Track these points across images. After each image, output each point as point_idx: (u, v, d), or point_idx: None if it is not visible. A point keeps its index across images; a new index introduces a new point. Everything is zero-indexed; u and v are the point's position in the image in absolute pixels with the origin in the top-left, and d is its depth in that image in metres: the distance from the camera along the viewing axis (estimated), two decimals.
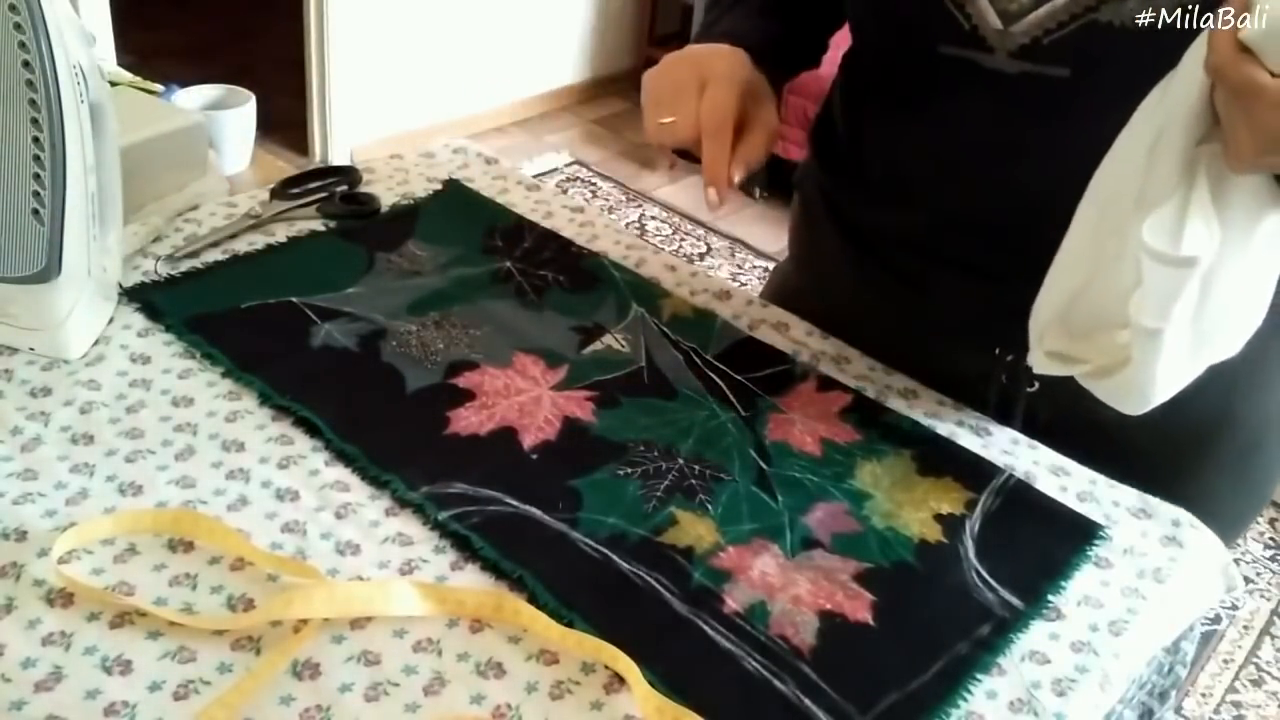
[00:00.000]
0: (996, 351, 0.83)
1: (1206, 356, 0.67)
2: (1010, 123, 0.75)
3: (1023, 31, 0.71)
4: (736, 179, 0.75)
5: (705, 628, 0.62)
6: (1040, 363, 0.72)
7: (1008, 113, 0.74)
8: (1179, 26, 0.64)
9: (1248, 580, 2.19)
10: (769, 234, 3.08)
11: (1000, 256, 0.78)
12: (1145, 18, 0.65)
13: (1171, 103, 0.61)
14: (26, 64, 0.66)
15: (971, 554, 0.69)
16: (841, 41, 0.89)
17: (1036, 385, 0.82)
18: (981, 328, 0.82)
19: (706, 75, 0.76)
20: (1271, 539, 2.29)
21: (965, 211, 0.80)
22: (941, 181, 0.81)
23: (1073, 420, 0.79)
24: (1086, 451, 0.79)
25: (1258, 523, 2.33)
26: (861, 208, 0.89)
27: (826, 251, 0.94)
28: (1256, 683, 1.98)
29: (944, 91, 0.77)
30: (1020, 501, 0.74)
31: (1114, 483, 0.77)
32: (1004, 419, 0.83)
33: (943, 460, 0.77)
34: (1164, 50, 0.62)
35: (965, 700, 0.60)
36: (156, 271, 0.85)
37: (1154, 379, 0.65)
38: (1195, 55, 0.60)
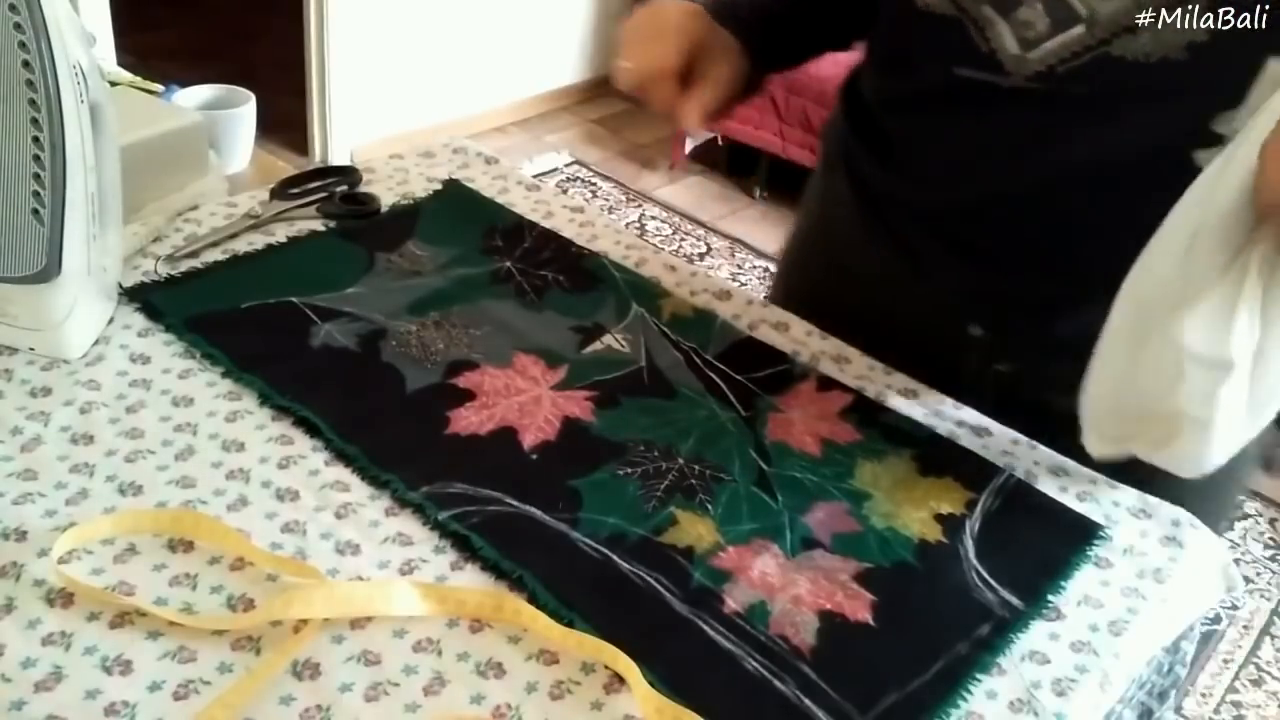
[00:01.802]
0: (972, 331, 0.86)
1: (1265, 418, 0.68)
2: (1022, 128, 0.76)
3: (1039, 59, 0.72)
4: (692, 121, 0.80)
5: (705, 628, 0.62)
6: (1096, 449, 0.72)
7: (1021, 119, 0.76)
8: (1189, 64, 0.67)
9: (1248, 580, 2.19)
10: (769, 234, 3.08)
11: (997, 241, 0.81)
12: (1156, 54, 0.67)
13: (1206, 209, 0.62)
14: (26, 64, 0.66)
15: (971, 554, 0.69)
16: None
17: (1006, 366, 0.86)
18: (963, 305, 0.85)
19: (660, 27, 0.80)
20: (1271, 539, 2.29)
21: (971, 198, 0.82)
22: (952, 168, 0.83)
23: (1046, 407, 0.80)
24: (1054, 433, 0.80)
25: (1258, 523, 2.33)
26: (874, 171, 0.91)
27: (839, 203, 0.96)
28: (1256, 683, 1.98)
29: (959, 103, 0.79)
30: (1020, 501, 0.74)
31: (1114, 483, 0.77)
32: (976, 395, 0.85)
33: (943, 460, 0.77)
34: (1174, 83, 0.67)
35: (965, 700, 0.60)
36: (156, 271, 0.85)
37: (1209, 451, 0.67)
38: (1225, 161, 0.62)
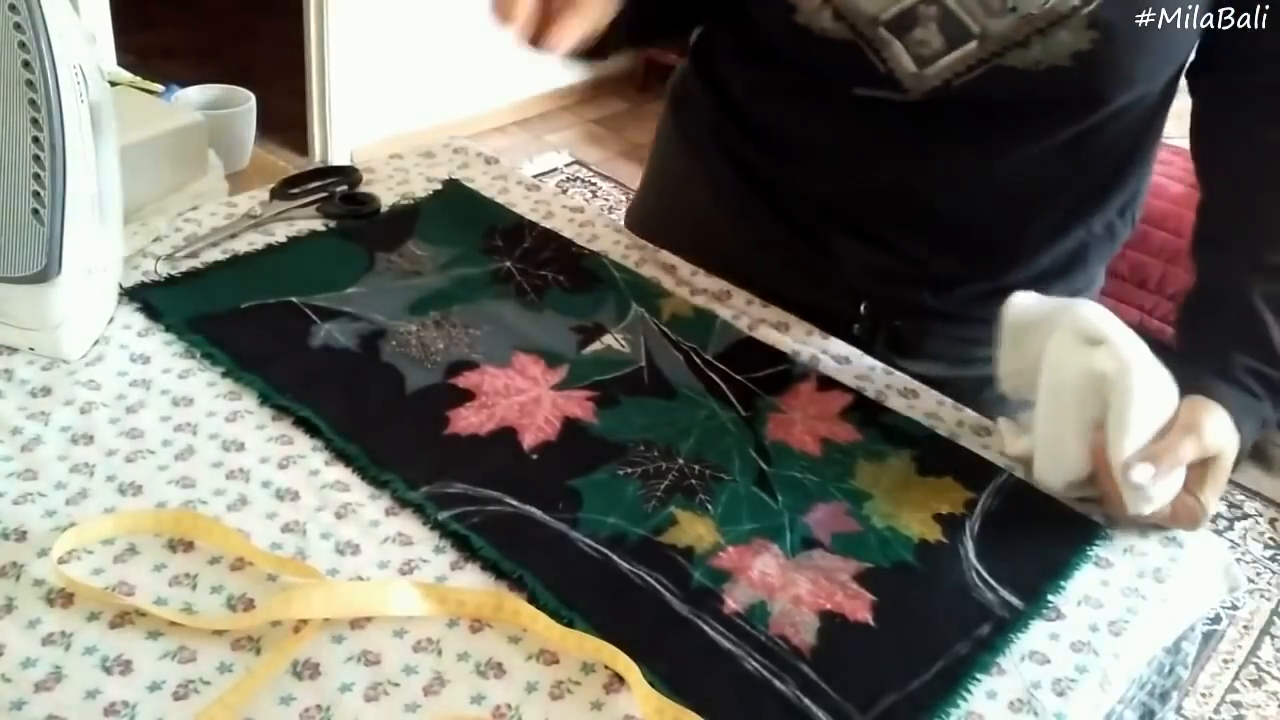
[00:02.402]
0: (862, 308, 0.92)
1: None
2: (917, 133, 0.80)
3: (935, 74, 0.75)
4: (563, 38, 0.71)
5: (705, 628, 0.62)
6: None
7: (917, 125, 0.80)
8: (1074, 70, 0.72)
9: (1248, 580, 2.19)
10: None
11: (891, 226, 0.86)
12: (1045, 63, 0.73)
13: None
14: (26, 64, 0.66)
15: (971, 554, 0.69)
16: None
17: (884, 335, 0.92)
18: (858, 283, 0.91)
19: None
20: (1271, 539, 2.29)
21: (864, 188, 0.86)
22: (843, 162, 0.86)
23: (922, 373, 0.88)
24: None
25: (1258, 523, 2.33)
26: (758, 156, 0.91)
27: (709, 176, 0.96)
28: (1256, 683, 1.98)
29: (855, 115, 0.82)
30: (1020, 501, 0.74)
31: None
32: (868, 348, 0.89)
33: (943, 460, 0.77)
34: (1061, 88, 0.73)
35: (965, 700, 0.60)
36: (156, 271, 0.85)
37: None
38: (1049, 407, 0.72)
